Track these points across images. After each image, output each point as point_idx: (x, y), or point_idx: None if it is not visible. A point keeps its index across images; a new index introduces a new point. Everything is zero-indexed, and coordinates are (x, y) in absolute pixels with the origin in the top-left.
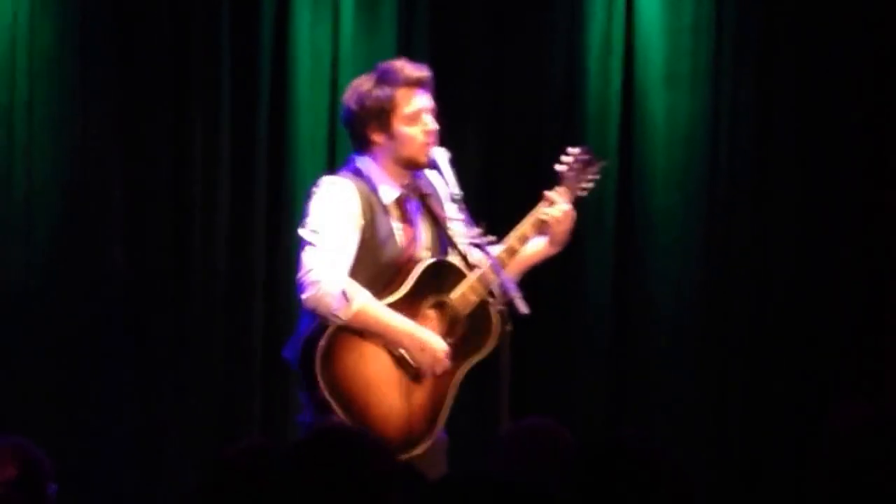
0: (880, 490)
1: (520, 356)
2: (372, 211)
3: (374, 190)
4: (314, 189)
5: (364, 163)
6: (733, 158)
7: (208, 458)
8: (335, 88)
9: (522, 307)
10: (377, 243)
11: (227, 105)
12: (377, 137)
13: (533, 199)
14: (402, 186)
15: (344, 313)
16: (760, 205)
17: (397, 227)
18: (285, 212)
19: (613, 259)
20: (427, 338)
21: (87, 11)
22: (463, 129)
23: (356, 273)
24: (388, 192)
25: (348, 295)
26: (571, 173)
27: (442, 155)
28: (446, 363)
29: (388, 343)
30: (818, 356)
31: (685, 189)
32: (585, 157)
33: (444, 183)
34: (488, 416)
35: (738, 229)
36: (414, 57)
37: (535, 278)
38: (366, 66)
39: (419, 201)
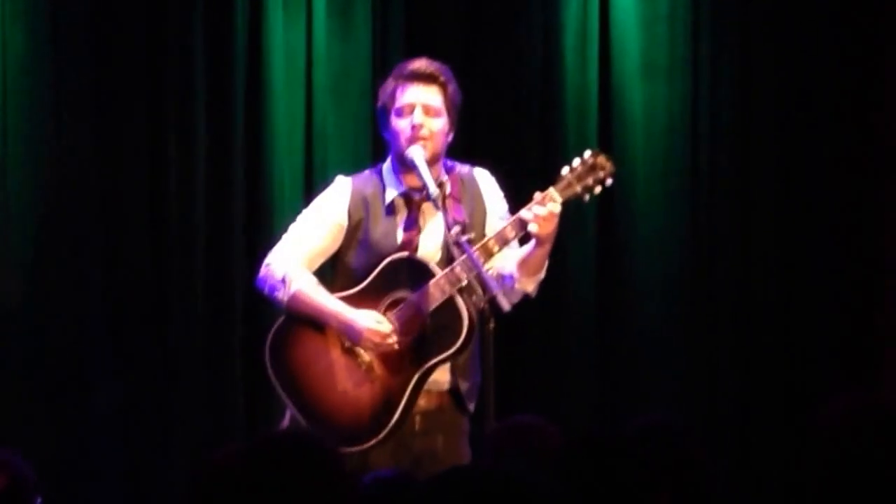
0: (872, 482)
1: (504, 353)
2: (367, 210)
3: (382, 188)
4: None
5: (386, 160)
6: (714, 149)
7: (194, 466)
8: (310, 90)
9: (504, 304)
10: (372, 241)
11: (202, 109)
12: (385, 134)
13: (513, 193)
14: (408, 185)
15: (281, 295)
16: (743, 195)
17: (400, 226)
18: (264, 215)
19: (595, 252)
20: (355, 317)
21: (58, 19)
22: None
23: (354, 269)
24: (392, 191)
25: (287, 279)
26: (571, 174)
27: (418, 153)
28: (383, 339)
29: (324, 326)
30: (805, 347)
31: (666, 181)
32: (591, 159)
33: (422, 182)
34: (474, 414)
35: (720, 220)
36: (389, 56)
37: None
38: (340, 67)
39: (436, 202)
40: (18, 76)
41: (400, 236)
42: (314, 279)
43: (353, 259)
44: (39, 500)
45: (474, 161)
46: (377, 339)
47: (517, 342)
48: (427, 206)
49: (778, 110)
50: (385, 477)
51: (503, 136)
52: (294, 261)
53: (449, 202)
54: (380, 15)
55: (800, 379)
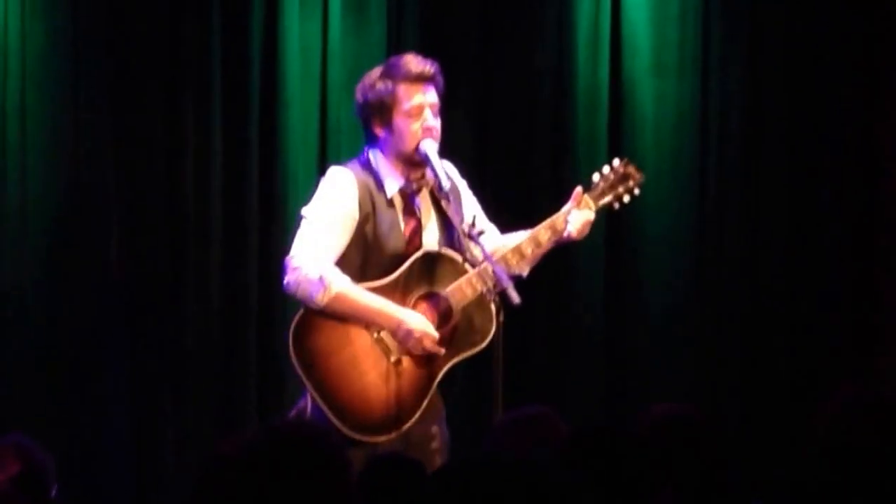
0: (874, 474)
1: (513, 346)
2: (373, 203)
3: (379, 182)
4: (323, 177)
5: (374, 154)
6: (723, 147)
7: (205, 456)
8: (325, 84)
9: (515, 297)
10: (379, 235)
11: (218, 104)
12: (379, 131)
13: (523, 189)
14: (407, 180)
15: (321, 297)
16: (752, 193)
17: (402, 219)
18: (278, 208)
19: (604, 249)
20: (405, 317)
21: (77, 14)
22: (453, 121)
23: (358, 263)
24: (392, 185)
25: (326, 281)
26: (604, 182)
27: (430, 146)
28: (428, 341)
29: (368, 325)
30: (811, 345)
31: (676, 178)
32: (622, 168)
33: (435, 176)
34: (482, 406)
35: (729, 218)
36: (403, 51)
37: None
38: (356, 62)
39: (431, 196)
40: (37, 72)
41: (403, 229)
42: (348, 278)
43: (357, 253)
44: (56, 488)
45: (486, 159)
46: (427, 344)
47: (526, 335)
48: (422, 200)
49: (788, 108)
50: (397, 462)
51: (514, 131)
52: (325, 261)
53: (442, 195)
54: (394, 11)
55: (804, 373)
